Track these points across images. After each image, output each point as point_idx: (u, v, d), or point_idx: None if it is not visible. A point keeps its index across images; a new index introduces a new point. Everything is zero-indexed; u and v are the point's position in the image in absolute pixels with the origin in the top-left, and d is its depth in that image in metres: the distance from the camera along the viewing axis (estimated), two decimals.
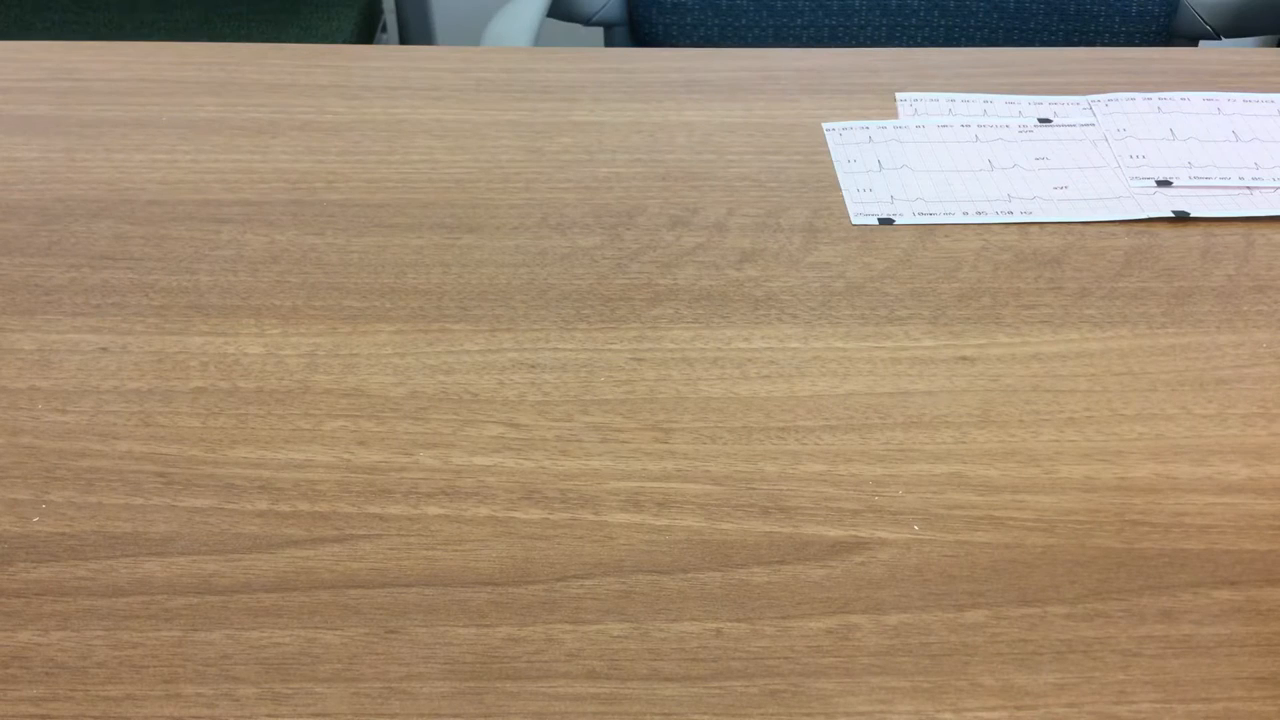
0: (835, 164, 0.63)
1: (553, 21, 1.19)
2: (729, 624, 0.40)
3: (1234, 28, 1.18)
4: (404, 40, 1.69)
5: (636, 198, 0.60)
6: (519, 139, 0.64)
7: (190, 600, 0.42)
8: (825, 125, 0.66)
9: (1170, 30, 1.20)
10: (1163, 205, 0.60)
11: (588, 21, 1.22)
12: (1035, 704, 0.37)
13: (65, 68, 0.70)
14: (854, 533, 0.43)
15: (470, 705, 0.39)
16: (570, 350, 0.51)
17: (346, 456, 0.47)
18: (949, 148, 0.64)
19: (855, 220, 0.59)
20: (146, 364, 0.50)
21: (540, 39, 1.06)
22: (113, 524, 0.44)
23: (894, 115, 0.67)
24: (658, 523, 0.44)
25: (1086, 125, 0.66)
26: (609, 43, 1.24)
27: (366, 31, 1.57)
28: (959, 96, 0.68)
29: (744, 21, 1.21)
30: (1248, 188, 0.61)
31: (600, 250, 0.56)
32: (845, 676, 0.38)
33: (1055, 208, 0.60)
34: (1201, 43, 1.21)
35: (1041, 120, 0.67)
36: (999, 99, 0.68)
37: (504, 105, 0.67)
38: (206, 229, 0.58)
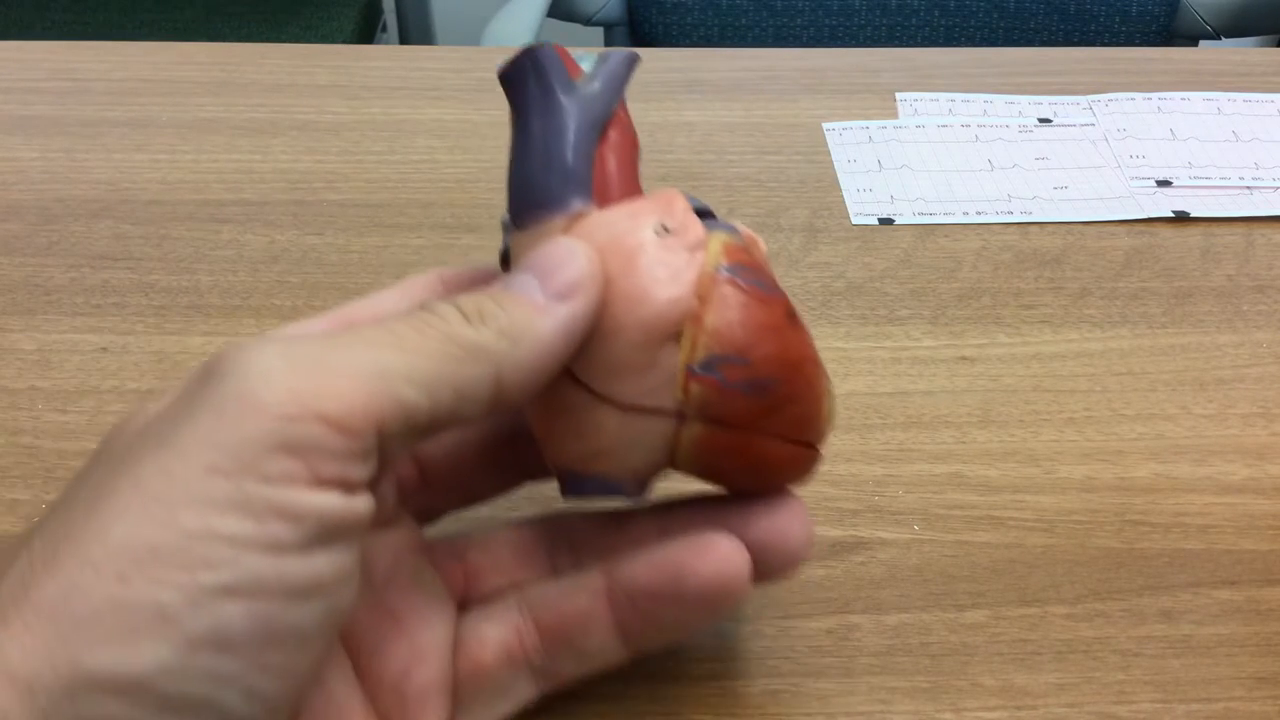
0: (835, 164, 0.63)
1: (553, 21, 1.19)
2: (730, 624, 0.40)
3: (1234, 28, 1.19)
4: (404, 40, 1.69)
5: None
6: None
7: None
8: (825, 125, 0.66)
9: (1170, 30, 1.20)
10: (1163, 205, 0.60)
11: (588, 21, 1.22)
12: (1035, 704, 0.37)
13: (65, 68, 0.70)
14: (854, 533, 0.43)
15: None
16: None
17: None
18: (949, 148, 0.64)
19: (855, 220, 0.59)
20: (146, 364, 0.50)
21: (540, 39, 1.06)
22: None
23: (894, 115, 0.67)
24: None
25: (1086, 125, 0.66)
26: (609, 43, 1.24)
27: (366, 31, 1.57)
28: (959, 96, 0.68)
29: (744, 21, 1.21)
30: (1248, 188, 0.61)
31: None
32: (845, 676, 0.38)
33: (1055, 208, 0.60)
34: (1201, 43, 1.21)
35: (1041, 120, 0.66)
36: (999, 99, 0.68)
37: (504, 105, 0.66)
38: (206, 229, 0.57)
